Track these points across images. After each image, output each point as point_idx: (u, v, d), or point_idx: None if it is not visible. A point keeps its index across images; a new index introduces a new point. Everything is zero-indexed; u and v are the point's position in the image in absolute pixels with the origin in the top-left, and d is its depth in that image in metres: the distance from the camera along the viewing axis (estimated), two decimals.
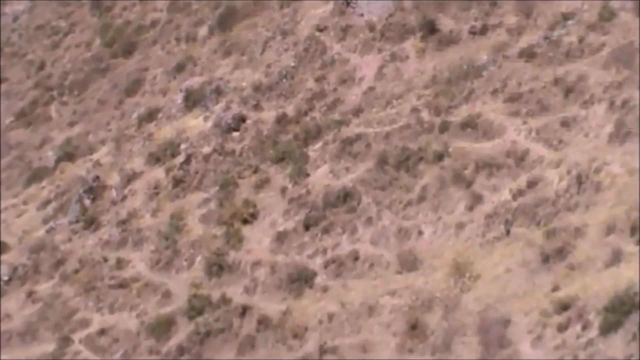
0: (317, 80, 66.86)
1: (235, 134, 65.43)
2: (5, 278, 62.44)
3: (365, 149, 54.90)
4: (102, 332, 52.94)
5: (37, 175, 77.48)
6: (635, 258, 37.97)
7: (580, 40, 53.62)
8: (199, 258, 54.84)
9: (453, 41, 61.50)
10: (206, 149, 64.95)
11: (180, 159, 65.53)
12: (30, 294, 59.81)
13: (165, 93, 78.82)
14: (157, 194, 64.27)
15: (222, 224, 55.92)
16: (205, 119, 69.86)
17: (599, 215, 39.86)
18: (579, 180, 42.46)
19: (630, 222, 38.14)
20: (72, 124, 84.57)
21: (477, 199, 45.67)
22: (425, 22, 63.59)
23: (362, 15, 68.72)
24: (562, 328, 34.25)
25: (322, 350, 42.41)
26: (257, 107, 67.67)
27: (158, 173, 66.31)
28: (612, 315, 34.65)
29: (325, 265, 48.96)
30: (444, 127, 52.49)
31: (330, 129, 59.25)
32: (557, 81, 50.67)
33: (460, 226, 45.68)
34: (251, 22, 78.23)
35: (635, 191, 39.46)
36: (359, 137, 56.22)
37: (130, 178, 67.59)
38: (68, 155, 77.12)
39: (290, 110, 64.35)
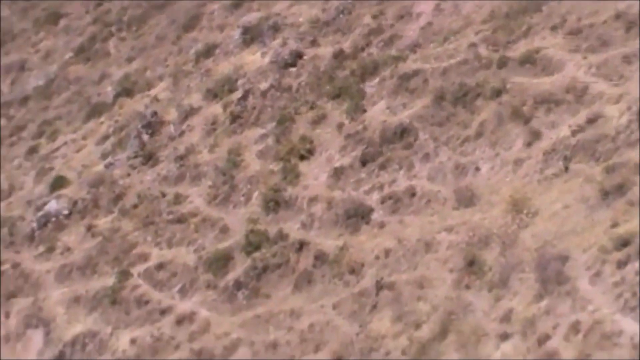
0: (375, 16, 66.42)
1: (292, 69, 65.53)
2: (65, 212, 63.38)
3: (422, 85, 54.58)
4: (160, 266, 53.58)
5: (95, 111, 78.43)
6: None
7: None
8: (256, 194, 55.13)
9: None
10: (263, 85, 65.21)
11: (237, 94, 66.03)
12: (89, 228, 60.75)
13: (223, 29, 78.90)
14: (214, 129, 64.72)
15: (279, 159, 56.34)
16: (263, 55, 69.95)
17: None
18: None
19: None
20: (130, 60, 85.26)
21: (536, 135, 45.15)
22: None
23: None
24: (621, 264, 33.85)
25: (379, 286, 42.43)
26: (314, 43, 67.76)
27: (215, 109, 66.85)
28: None
29: (382, 201, 48.89)
30: (502, 63, 51.94)
31: (387, 65, 59.02)
32: (618, 16, 49.54)
33: (518, 162, 45.19)
34: None
35: None
36: (416, 73, 55.97)
37: (188, 114, 68.28)
38: (126, 90, 78.00)
39: (347, 46, 64.24)
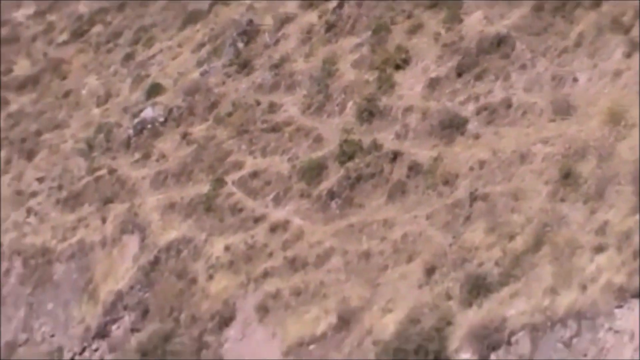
0: None
1: None
2: (161, 119, 64.50)
3: None
4: (254, 174, 54.32)
5: (191, 18, 78.56)
6: None
7: None
8: (350, 103, 55.31)
9: None
10: None
11: (333, 3, 65.28)
12: (184, 135, 61.85)
13: None
14: (309, 38, 64.62)
15: (374, 69, 56.24)
16: None
17: None
18: None
19: None
20: None
21: (635, 46, 43.96)
22: None
23: None
24: None
25: (473, 197, 42.72)
26: None
27: (311, 17, 66.53)
28: None
29: (477, 112, 48.77)
30: None
31: None
32: None
33: (617, 73, 44.28)
34: None
35: None
36: None
37: (284, 22, 68.18)
38: None
39: None
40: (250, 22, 69.46)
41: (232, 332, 48.17)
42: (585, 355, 34.52)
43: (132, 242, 56.47)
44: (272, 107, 60.02)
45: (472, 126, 49.11)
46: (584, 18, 48.99)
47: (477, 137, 48.67)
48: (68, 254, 59.84)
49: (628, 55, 45.23)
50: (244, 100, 62.34)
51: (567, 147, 43.26)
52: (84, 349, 53.93)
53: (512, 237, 39.98)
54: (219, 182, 54.85)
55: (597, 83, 45.24)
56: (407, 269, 42.77)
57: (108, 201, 60.22)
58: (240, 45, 68.49)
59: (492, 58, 51.83)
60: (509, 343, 35.88)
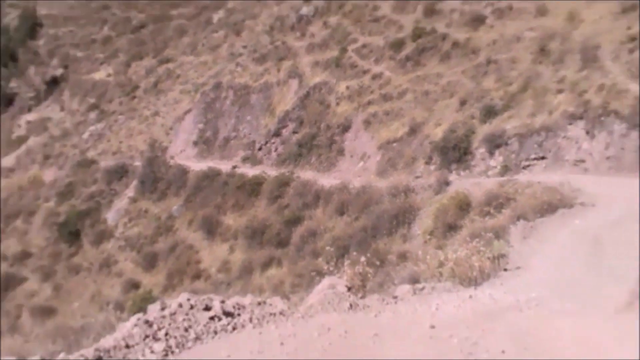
0: None
1: None
2: (311, 14, 64.17)
3: None
4: (364, 46, 54.67)
5: None
6: None
7: None
8: (419, 6, 54.23)
9: None
10: None
11: None
12: (324, 23, 61.69)
13: None
14: None
15: None
16: None
17: None
18: None
19: None
20: None
21: None
22: None
23: None
24: None
25: (488, 61, 42.93)
26: None
27: None
28: None
29: (493, 12, 47.96)
30: None
31: None
32: None
33: None
34: None
35: None
36: None
37: None
38: None
39: None
40: None
41: (349, 135, 48.77)
42: (550, 151, 34.41)
43: (294, 83, 56.88)
44: (375, 7, 59.06)
45: (489, 20, 48.59)
46: None
47: (492, 26, 47.76)
48: (259, 89, 59.77)
49: None
50: (359, 3, 61.08)
51: (543, 33, 42.58)
52: (266, 142, 55.08)
53: (510, 84, 40.04)
54: (344, 50, 55.01)
55: None
56: (449, 102, 43.10)
57: (281, 59, 60.47)
58: None
59: None
60: (506, 144, 36.22)
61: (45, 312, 47.99)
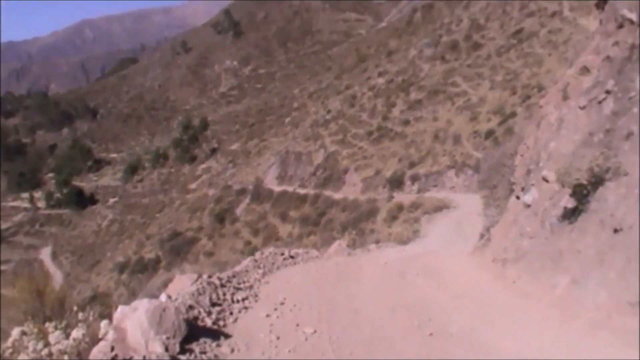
0: None
1: None
2: None
3: None
4: None
5: None
6: None
7: None
8: None
9: None
10: None
11: None
12: None
13: None
14: None
15: None
16: None
17: None
18: None
19: None
20: None
21: None
22: None
23: None
24: None
25: None
26: None
27: None
28: None
29: None
30: None
31: None
32: None
33: None
34: None
35: None
36: None
37: None
38: None
39: None
40: None
41: (347, 174, 43.32)
42: (439, 182, 31.18)
43: (322, 150, 50.98)
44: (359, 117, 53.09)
45: (412, 122, 43.47)
46: None
47: (413, 125, 43.04)
48: (305, 153, 53.51)
49: None
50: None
51: (436, 128, 38.58)
52: (308, 177, 49.78)
53: (422, 152, 36.80)
54: (345, 135, 49.74)
55: None
56: (393, 159, 39.20)
57: (316, 139, 54.88)
58: None
59: None
60: (419, 179, 33.27)
61: (209, 254, 48.66)
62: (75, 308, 4.91)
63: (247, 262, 8.99)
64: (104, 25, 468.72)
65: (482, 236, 11.34)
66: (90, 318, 4.66)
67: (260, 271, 8.44)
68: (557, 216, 6.56)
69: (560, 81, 8.21)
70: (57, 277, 58.41)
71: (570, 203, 6.25)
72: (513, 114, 31.75)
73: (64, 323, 4.37)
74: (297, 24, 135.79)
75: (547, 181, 7.06)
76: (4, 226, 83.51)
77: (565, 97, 7.65)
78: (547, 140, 7.60)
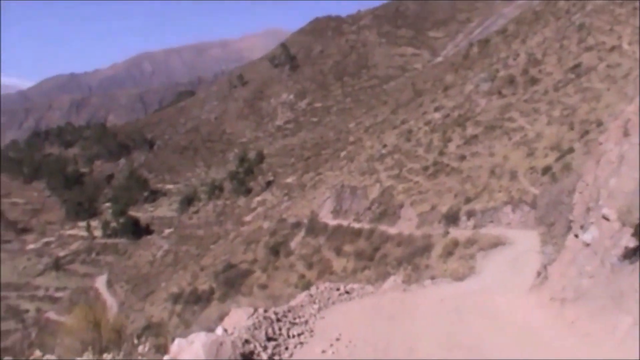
0: None
1: None
2: None
3: None
4: None
5: None
6: None
7: None
8: None
9: None
10: None
11: None
12: None
13: None
14: None
15: None
16: None
17: None
18: None
19: None
20: None
21: None
22: None
23: None
24: None
25: None
26: None
27: None
28: None
29: None
30: None
31: None
32: None
33: None
34: None
35: None
36: None
37: None
38: None
39: None
40: None
41: (402, 209, 43.31)
42: (495, 218, 31.15)
43: (377, 185, 51.84)
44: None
45: (468, 157, 43.54)
46: None
47: (469, 160, 43.19)
48: (361, 187, 53.45)
49: None
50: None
51: (491, 164, 38.20)
52: (364, 212, 50.28)
53: (477, 187, 36.48)
54: (400, 170, 51.77)
55: None
56: (448, 195, 39.26)
57: (372, 174, 56.37)
58: None
59: None
60: (475, 215, 32.97)
61: (263, 287, 49.12)
62: (135, 341, 5.02)
63: (302, 296, 9.17)
64: (162, 58, 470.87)
65: (539, 274, 11.12)
66: (146, 349, 4.68)
67: (316, 306, 8.58)
68: (618, 255, 6.59)
69: (620, 117, 8.16)
70: (112, 305, 60.32)
71: (632, 242, 6.31)
72: (571, 150, 31.25)
73: (121, 354, 4.32)
74: (354, 58, 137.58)
75: (607, 219, 7.00)
76: (61, 254, 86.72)
77: (626, 134, 7.68)
78: (607, 178, 7.55)
